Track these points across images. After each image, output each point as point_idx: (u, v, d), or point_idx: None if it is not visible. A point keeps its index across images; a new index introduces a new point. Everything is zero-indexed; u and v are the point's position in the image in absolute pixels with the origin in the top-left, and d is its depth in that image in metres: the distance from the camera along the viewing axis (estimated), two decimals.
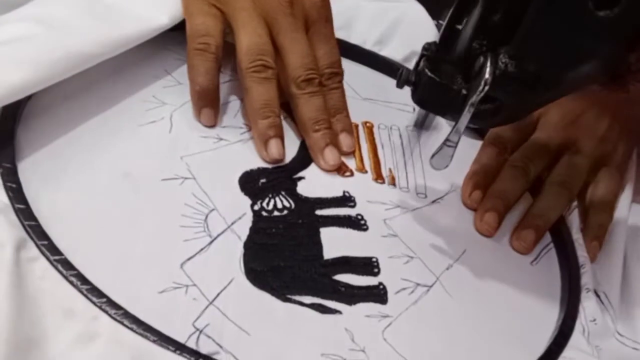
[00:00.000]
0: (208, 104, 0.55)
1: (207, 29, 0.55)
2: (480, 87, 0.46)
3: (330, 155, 0.56)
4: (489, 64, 0.46)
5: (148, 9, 0.56)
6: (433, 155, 0.51)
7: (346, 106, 0.59)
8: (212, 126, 0.55)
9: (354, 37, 0.69)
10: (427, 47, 0.50)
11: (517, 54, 0.46)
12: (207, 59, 0.54)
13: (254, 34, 0.55)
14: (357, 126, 0.61)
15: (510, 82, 0.47)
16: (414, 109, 0.65)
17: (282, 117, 0.56)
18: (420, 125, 0.55)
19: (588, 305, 0.53)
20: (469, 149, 0.62)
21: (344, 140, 0.58)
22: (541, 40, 0.46)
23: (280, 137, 0.55)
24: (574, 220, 0.60)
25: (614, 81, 0.49)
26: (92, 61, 0.51)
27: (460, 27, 0.48)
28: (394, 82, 0.66)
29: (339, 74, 0.58)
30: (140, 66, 0.57)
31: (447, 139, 0.50)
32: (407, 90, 0.62)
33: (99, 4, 0.54)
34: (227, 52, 0.58)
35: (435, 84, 0.49)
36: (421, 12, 0.72)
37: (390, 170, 0.59)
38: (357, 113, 0.62)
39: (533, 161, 0.60)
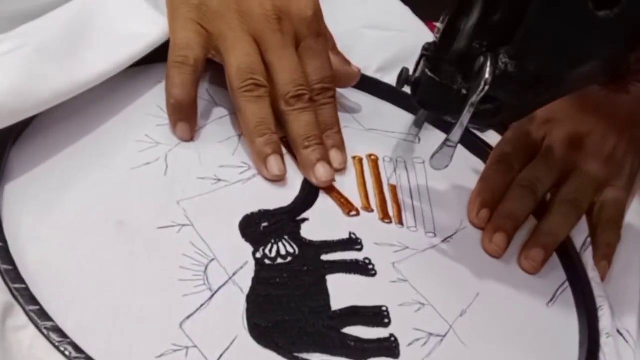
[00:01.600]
0: (184, 118, 0.53)
1: (188, 42, 0.54)
2: (480, 87, 0.46)
3: (322, 172, 0.54)
4: (489, 64, 0.46)
5: (141, 25, 0.55)
6: (433, 155, 0.51)
7: (338, 122, 0.57)
8: (188, 141, 0.53)
9: (355, 64, 0.65)
10: (427, 47, 0.50)
11: (517, 54, 0.46)
12: (184, 72, 0.53)
13: (243, 54, 0.54)
14: (361, 160, 0.58)
15: (510, 82, 0.47)
16: (419, 140, 0.62)
17: (281, 144, 0.54)
18: (421, 125, 0.56)
19: (609, 351, 0.51)
20: (471, 174, 0.61)
21: (335, 157, 0.56)
22: (541, 40, 0.46)
23: (279, 153, 0.53)
24: (589, 258, 0.57)
25: (614, 81, 0.50)
26: (86, 86, 0.50)
27: (460, 27, 0.48)
28: (398, 110, 0.65)
29: (329, 89, 0.56)
30: (133, 103, 0.54)
31: (447, 139, 0.50)
32: (412, 119, 0.60)
33: (89, 25, 0.53)
34: (221, 83, 0.56)
35: (435, 84, 0.49)
36: (425, 35, 0.70)
37: (397, 207, 0.56)
38: (362, 145, 0.59)
39: (541, 181, 0.59)
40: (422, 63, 0.50)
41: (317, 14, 0.56)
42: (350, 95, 0.63)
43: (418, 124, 0.59)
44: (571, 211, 0.59)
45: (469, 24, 0.47)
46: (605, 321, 0.53)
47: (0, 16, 0.58)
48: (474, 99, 0.46)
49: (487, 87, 0.46)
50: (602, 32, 0.45)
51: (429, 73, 0.49)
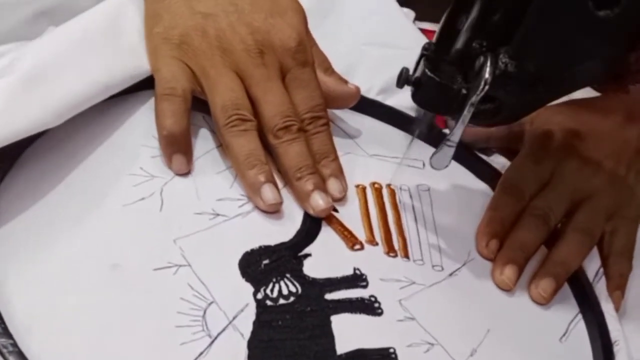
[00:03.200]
0: (178, 149, 0.51)
1: (173, 75, 0.53)
2: (480, 87, 0.46)
3: (318, 200, 0.52)
4: (489, 63, 0.46)
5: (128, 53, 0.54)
6: (433, 155, 0.51)
7: (333, 149, 0.55)
8: (185, 175, 0.51)
9: (357, 84, 0.63)
10: (427, 47, 0.49)
11: (517, 54, 0.46)
12: (173, 102, 0.51)
13: (227, 90, 0.52)
14: (364, 189, 0.56)
15: (510, 82, 0.47)
16: (423, 164, 0.60)
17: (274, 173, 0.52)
18: (419, 125, 0.55)
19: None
20: (478, 200, 0.59)
21: (333, 185, 0.54)
22: (541, 40, 0.46)
23: (272, 182, 0.51)
24: (602, 289, 0.56)
25: (614, 81, 0.50)
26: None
27: (459, 27, 0.48)
28: (402, 134, 0.62)
29: (320, 117, 0.54)
30: (124, 133, 0.52)
31: (447, 139, 0.50)
32: (417, 143, 0.58)
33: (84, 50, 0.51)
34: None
35: (435, 84, 0.49)
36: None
37: (402, 240, 0.53)
38: (365, 172, 0.57)
39: (553, 210, 0.58)
40: (422, 63, 0.49)
41: (302, 43, 0.54)
42: (352, 118, 0.61)
43: (418, 124, 0.58)
44: (583, 240, 0.57)
45: (469, 24, 0.47)
46: (621, 357, 0.51)
47: (22, 15, 0.58)
48: (474, 98, 0.46)
49: (487, 87, 0.46)
50: (602, 32, 0.45)
51: (429, 73, 0.48)
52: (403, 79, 0.50)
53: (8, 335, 0.38)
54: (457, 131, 0.48)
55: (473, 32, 0.47)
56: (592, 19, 0.44)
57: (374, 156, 0.59)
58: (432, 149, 0.60)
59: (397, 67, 0.64)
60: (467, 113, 0.47)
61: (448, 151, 0.50)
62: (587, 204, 0.59)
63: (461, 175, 0.61)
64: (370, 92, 0.64)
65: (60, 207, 0.46)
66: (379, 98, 0.64)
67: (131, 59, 0.53)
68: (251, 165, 0.51)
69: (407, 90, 0.63)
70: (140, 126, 0.53)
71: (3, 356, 0.37)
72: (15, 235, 0.43)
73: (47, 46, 0.51)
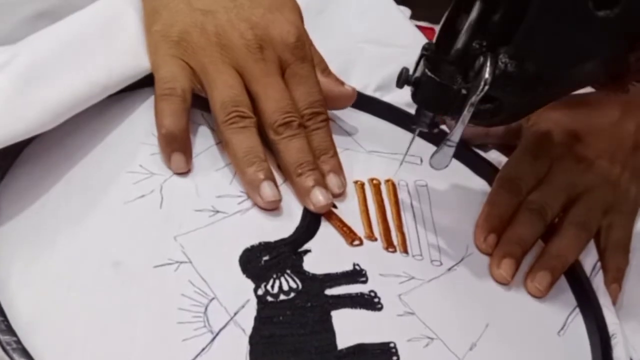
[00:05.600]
0: (177, 148, 0.51)
1: (172, 75, 0.53)
2: (480, 87, 0.46)
3: (319, 197, 0.52)
4: (488, 63, 0.46)
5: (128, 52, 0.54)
6: (433, 155, 0.51)
7: (333, 145, 0.55)
8: (185, 173, 0.51)
9: (354, 82, 0.63)
10: (427, 47, 0.49)
11: (517, 54, 0.46)
12: (172, 102, 0.51)
13: (226, 87, 0.52)
14: (363, 185, 0.56)
15: (510, 82, 0.47)
16: (421, 160, 0.60)
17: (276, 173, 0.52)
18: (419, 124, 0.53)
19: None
20: (476, 196, 0.59)
21: (332, 181, 0.54)
22: (541, 40, 0.46)
23: (272, 179, 0.51)
24: (600, 283, 0.56)
25: (614, 81, 0.49)
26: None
27: (459, 27, 0.48)
28: (399, 130, 0.63)
29: (320, 113, 0.55)
30: (123, 130, 0.52)
31: (447, 139, 0.50)
32: (415, 139, 0.58)
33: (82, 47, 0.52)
34: None
35: (435, 84, 0.49)
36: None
37: (401, 235, 0.54)
38: (363, 168, 0.58)
39: (550, 205, 0.58)
40: (422, 63, 0.49)
41: (300, 39, 0.55)
42: (349, 115, 0.61)
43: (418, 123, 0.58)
44: (580, 234, 0.57)
45: (469, 24, 0.47)
46: (619, 351, 0.51)
47: (22, 15, 0.59)
48: (474, 99, 0.46)
49: (487, 87, 0.46)
50: (602, 32, 0.45)
51: (429, 73, 0.49)
52: (403, 79, 0.50)
53: (12, 332, 0.38)
54: (457, 131, 0.49)
55: (473, 32, 0.47)
56: (592, 19, 0.44)
57: (372, 152, 0.60)
58: (429, 145, 0.61)
59: (394, 64, 0.65)
60: (467, 113, 0.47)
61: (448, 151, 0.50)
62: (583, 198, 0.59)
63: (459, 171, 0.61)
64: (367, 89, 0.64)
65: (61, 204, 0.46)
66: (376, 95, 0.65)
67: (129, 58, 0.53)
68: (250, 163, 0.51)
69: (404, 88, 0.64)
70: (140, 124, 0.53)
71: (7, 353, 0.37)
72: (17, 233, 0.44)
73: (43, 46, 0.51)
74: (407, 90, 0.62)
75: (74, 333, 0.40)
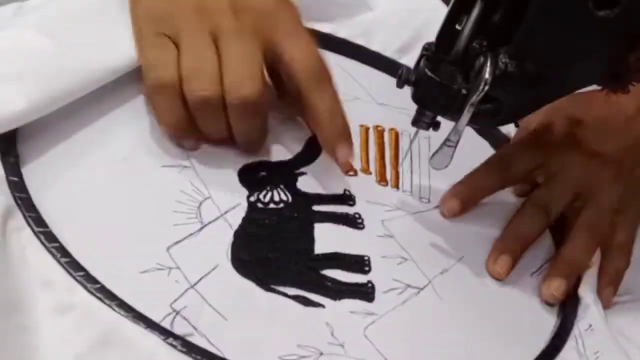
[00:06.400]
0: (185, 136, 0.52)
1: (158, 59, 0.51)
2: (480, 87, 0.46)
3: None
4: (489, 64, 0.46)
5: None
6: (433, 155, 0.52)
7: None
8: (195, 149, 0.52)
9: (375, 45, 0.69)
10: (427, 47, 0.50)
11: (517, 54, 0.47)
12: (166, 95, 0.50)
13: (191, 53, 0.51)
14: (367, 129, 0.61)
15: (510, 82, 0.47)
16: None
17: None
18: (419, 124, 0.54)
19: (584, 314, 0.53)
20: (476, 153, 0.61)
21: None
22: (541, 40, 0.46)
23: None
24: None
25: (614, 81, 0.49)
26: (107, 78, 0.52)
27: (459, 27, 0.48)
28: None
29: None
30: None
31: (447, 139, 0.51)
32: None
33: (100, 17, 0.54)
34: None
35: (435, 84, 0.49)
36: None
37: (395, 172, 0.58)
38: (370, 117, 0.62)
39: (555, 202, 0.58)
40: (422, 63, 0.50)
41: (279, 6, 0.53)
42: (367, 72, 0.66)
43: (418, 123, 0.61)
44: (591, 238, 0.58)
45: (469, 24, 0.48)
46: (584, 287, 0.54)
47: None
48: (474, 99, 0.47)
49: (487, 87, 0.46)
50: (602, 32, 0.45)
51: (429, 73, 0.49)
52: (403, 79, 0.51)
53: (25, 191, 0.45)
54: (457, 131, 0.50)
55: (473, 32, 0.48)
56: (592, 18, 0.44)
57: (382, 105, 0.64)
58: None
59: (414, 25, 0.69)
60: (467, 113, 0.48)
61: (448, 151, 0.51)
62: (595, 200, 0.59)
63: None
64: (387, 51, 0.69)
65: (82, 110, 0.51)
66: (394, 57, 0.69)
67: (131, 42, 0.53)
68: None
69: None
70: None
71: (18, 206, 0.44)
72: (41, 124, 0.49)
73: (33, 36, 0.51)
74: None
75: (76, 204, 0.46)
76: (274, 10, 0.53)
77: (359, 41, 0.68)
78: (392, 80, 0.66)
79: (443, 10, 0.72)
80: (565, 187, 0.59)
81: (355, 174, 0.57)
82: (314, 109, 0.54)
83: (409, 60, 0.69)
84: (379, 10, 0.72)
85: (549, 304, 0.55)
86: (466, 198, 0.58)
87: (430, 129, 0.54)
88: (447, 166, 0.52)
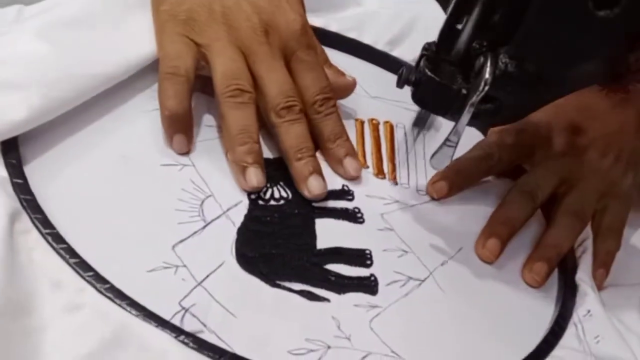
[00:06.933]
0: (179, 130, 0.52)
1: (177, 53, 0.54)
2: (480, 87, 0.47)
3: (315, 184, 0.53)
4: (489, 64, 0.47)
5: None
6: (433, 155, 0.52)
7: (344, 130, 0.57)
8: (186, 153, 0.52)
9: (366, 38, 0.69)
10: (427, 47, 0.50)
11: (517, 54, 0.47)
12: (176, 82, 0.52)
13: (229, 60, 0.54)
14: (362, 123, 0.62)
15: (510, 82, 0.47)
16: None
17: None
18: (420, 124, 0.55)
19: (582, 301, 0.53)
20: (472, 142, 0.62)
21: (350, 164, 0.56)
22: (541, 40, 0.47)
23: (260, 163, 0.52)
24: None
25: (614, 81, 0.50)
26: (108, 84, 0.52)
27: (459, 27, 0.49)
28: None
29: (330, 98, 0.56)
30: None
31: (447, 139, 0.51)
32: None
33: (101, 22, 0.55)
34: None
35: (435, 83, 0.50)
36: (437, 12, 0.73)
37: (392, 165, 0.59)
38: (365, 110, 0.63)
39: (541, 187, 0.59)
40: (422, 63, 0.50)
41: (305, 26, 0.56)
42: (359, 66, 0.67)
43: (418, 124, 0.62)
44: (574, 223, 0.58)
45: (469, 24, 0.48)
46: (581, 272, 0.56)
47: None
48: (474, 99, 0.47)
49: (487, 87, 0.46)
50: (602, 32, 0.45)
51: (429, 73, 0.49)
52: (403, 78, 0.51)
53: (30, 193, 0.45)
54: (457, 131, 0.50)
55: (473, 32, 0.48)
56: (592, 19, 0.44)
57: (376, 98, 0.65)
58: None
59: (406, 18, 0.70)
60: (467, 113, 0.48)
61: (448, 151, 0.51)
62: (578, 186, 0.60)
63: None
64: (378, 44, 0.70)
65: (84, 107, 0.51)
66: (386, 49, 0.70)
67: (132, 47, 0.55)
68: (242, 142, 0.52)
69: (411, 43, 0.69)
70: None
71: (24, 208, 0.44)
72: (42, 125, 0.49)
73: (42, 36, 0.52)
74: (415, 46, 0.68)
75: (80, 204, 0.47)
76: (300, 32, 0.56)
77: (351, 35, 0.69)
78: (385, 73, 0.69)
79: (433, 3, 0.75)
80: (551, 172, 0.60)
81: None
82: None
83: (400, 52, 0.70)
84: (368, 5, 0.72)
85: (532, 287, 0.55)
86: (452, 180, 0.58)
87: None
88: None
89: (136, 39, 0.56)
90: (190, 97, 0.53)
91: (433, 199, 0.58)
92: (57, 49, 0.51)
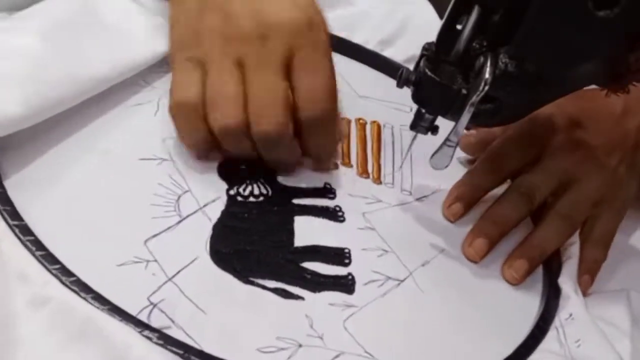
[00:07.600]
0: (203, 155, 0.52)
1: (182, 82, 0.51)
2: (480, 87, 0.47)
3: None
4: (489, 64, 0.47)
5: (148, 31, 0.56)
6: (433, 155, 0.52)
7: (334, 149, 0.57)
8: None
9: (357, 38, 0.69)
10: (427, 47, 0.50)
11: (517, 54, 0.47)
12: (188, 118, 0.51)
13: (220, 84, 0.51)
14: (349, 122, 0.61)
15: (510, 82, 0.47)
16: (410, 109, 0.64)
17: None
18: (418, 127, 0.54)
19: (564, 304, 0.53)
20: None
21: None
22: (541, 40, 0.46)
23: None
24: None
25: (614, 81, 0.49)
26: (102, 86, 0.52)
27: (459, 27, 0.48)
28: (394, 82, 0.66)
29: (325, 108, 0.52)
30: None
31: (447, 139, 0.51)
32: (405, 90, 0.62)
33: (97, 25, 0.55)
34: None
35: (435, 84, 0.50)
36: (430, 13, 0.72)
37: (377, 165, 0.58)
38: (352, 110, 0.62)
39: (540, 189, 0.58)
40: (422, 63, 0.50)
41: (310, 22, 0.52)
42: (349, 64, 0.66)
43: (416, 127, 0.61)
44: (564, 226, 0.57)
45: (469, 24, 0.48)
46: (565, 276, 0.54)
47: None
48: (474, 99, 0.47)
49: (487, 87, 0.46)
50: (602, 32, 0.45)
51: (429, 73, 0.49)
52: (403, 78, 0.51)
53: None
54: (457, 131, 0.50)
55: (473, 32, 0.48)
56: (592, 19, 0.44)
57: (364, 97, 0.64)
58: None
59: (398, 18, 0.70)
60: (467, 113, 0.48)
61: (448, 151, 0.51)
62: (573, 188, 0.58)
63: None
64: (369, 44, 0.69)
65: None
66: (377, 49, 0.69)
67: (132, 48, 0.55)
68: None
69: (403, 44, 0.68)
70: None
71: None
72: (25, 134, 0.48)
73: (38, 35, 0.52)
74: (406, 47, 0.67)
75: (53, 197, 0.46)
76: (305, 29, 0.52)
77: (342, 35, 0.68)
78: (374, 73, 0.68)
79: (425, 3, 0.74)
80: (550, 174, 0.58)
81: (337, 167, 0.57)
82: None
83: (392, 53, 0.69)
84: (360, 4, 0.72)
85: (511, 284, 0.54)
86: (468, 200, 0.57)
87: (429, 133, 0.54)
88: (447, 166, 0.52)
89: (136, 40, 0.56)
90: (205, 127, 0.50)
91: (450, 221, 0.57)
92: (54, 48, 0.51)
